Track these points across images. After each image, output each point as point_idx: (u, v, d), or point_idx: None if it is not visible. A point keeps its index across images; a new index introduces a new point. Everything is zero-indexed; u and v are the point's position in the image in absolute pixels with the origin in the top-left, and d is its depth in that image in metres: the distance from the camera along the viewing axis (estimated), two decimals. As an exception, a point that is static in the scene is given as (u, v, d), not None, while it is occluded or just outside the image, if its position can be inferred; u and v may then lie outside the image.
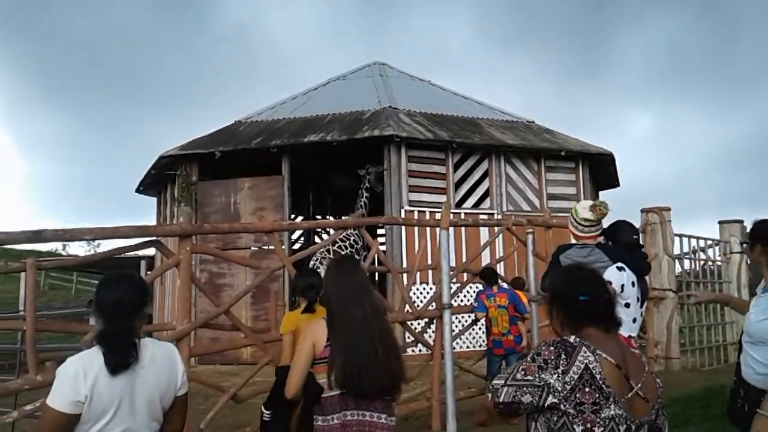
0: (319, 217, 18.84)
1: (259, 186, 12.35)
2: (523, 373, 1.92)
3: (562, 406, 1.86)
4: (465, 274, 7.91)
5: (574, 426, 1.85)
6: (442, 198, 11.79)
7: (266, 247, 11.63)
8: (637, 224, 8.44)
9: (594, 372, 1.86)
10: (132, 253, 5.49)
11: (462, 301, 9.82)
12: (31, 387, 3.82)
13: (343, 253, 10.25)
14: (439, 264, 5.42)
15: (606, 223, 4.20)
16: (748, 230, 3.11)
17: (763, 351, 2.78)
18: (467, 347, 10.83)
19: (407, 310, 6.06)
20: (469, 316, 7.68)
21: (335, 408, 2.59)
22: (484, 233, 11.05)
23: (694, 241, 9.93)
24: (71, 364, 2.08)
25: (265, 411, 2.78)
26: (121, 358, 2.08)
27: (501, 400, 1.93)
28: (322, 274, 3.12)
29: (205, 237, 10.44)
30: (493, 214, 12.32)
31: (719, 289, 10.36)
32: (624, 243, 4.15)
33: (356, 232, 10.12)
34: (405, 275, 8.22)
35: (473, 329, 8.00)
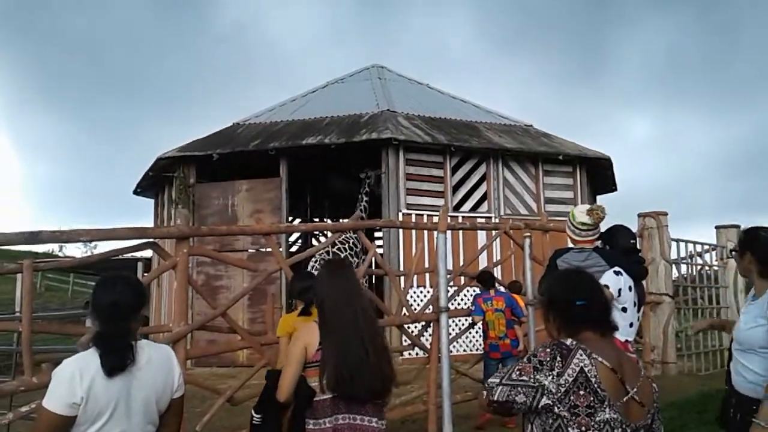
0: (316, 219, 18.83)
1: (257, 188, 12.35)
2: (518, 373, 1.93)
3: (556, 409, 1.87)
4: (462, 278, 7.92)
5: (569, 429, 1.86)
6: (440, 201, 11.81)
7: (264, 250, 11.62)
8: (635, 229, 8.47)
9: (589, 375, 1.87)
10: (129, 255, 5.49)
11: (459, 304, 9.82)
12: (26, 388, 3.80)
13: (342, 255, 10.26)
14: (437, 267, 5.42)
15: (603, 227, 4.21)
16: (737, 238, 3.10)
17: (753, 359, 2.77)
18: (464, 351, 10.84)
19: (404, 313, 6.05)
20: (466, 320, 7.67)
21: (327, 411, 2.59)
22: (481, 237, 11.06)
23: (691, 246, 9.96)
24: (67, 366, 2.08)
25: (255, 414, 2.76)
26: (117, 360, 2.08)
27: (495, 399, 1.95)
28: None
29: (202, 239, 10.42)
30: (490, 217, 12.34)
31: (716, 294, 10.39)
32: (621, 247, 4.16)
33: (355, 235, 10.12)
34: (402, 278, 8.21)
35: (470, 333, 8.00)
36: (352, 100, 14.26)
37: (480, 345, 7.66)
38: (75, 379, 2.03)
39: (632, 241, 4.38)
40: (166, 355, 2.30)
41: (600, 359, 1.90)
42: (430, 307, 6.27)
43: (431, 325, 6.02)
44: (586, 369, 1.87)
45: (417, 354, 8.22)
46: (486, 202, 12.59)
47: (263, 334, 5.35)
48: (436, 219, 6.13)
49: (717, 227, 10.55)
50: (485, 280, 6.76)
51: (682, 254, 9.77)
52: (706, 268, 10.54)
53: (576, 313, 2.03)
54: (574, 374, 1.87)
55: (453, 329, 7.53)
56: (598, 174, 14.40)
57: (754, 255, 2.87)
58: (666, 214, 9.39)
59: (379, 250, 10.16)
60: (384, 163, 11.84)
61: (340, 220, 16.43)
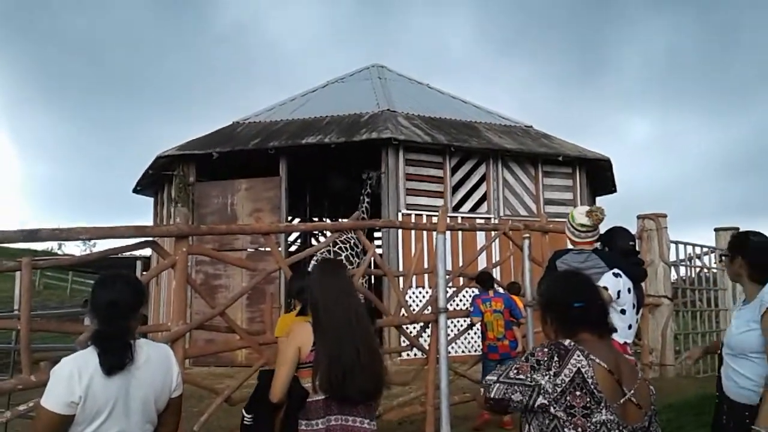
0: (316, 219, 18.82)
1: (257, 187, 12.35)
2: (515, 371, 1.95)
3: (552, 408, 1.87)
4: (461, 279, 7.91)
5: (565, 430, 1.86)
6: (439, 201, 11.81)
7: (263, 249, 11.62)
8: (634, 230, 8.47)
9: (586, 376, 1.87)
10: (128, 254, 5.49)
11: (458, 305, 9.82)
12: (24, 387, 3.80)
13: (343, 255, 10.25)
14: (436, 268, 5.42)
15: (602, 229, 4.21)
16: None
17: (745, 364, 2.75)
18: (462, 352, 10.84)
19: (403, 314, 6.05)
20: (464, 321, 7.67)
21: (320, 413, 2.59)
22: (480, 237, 11.06)
23: (690, 248, 9.96)
24: (66, 365, 2.08)
25: (246, 415, 2.75)
26: (116, 358, 2.08)
27: (492, 396, 1.96)
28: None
29: (201, 238, 10.42)
30: (490, 218, 12.34)
31: (714, 296, 10.39)
32: (620, 249, 4.17)
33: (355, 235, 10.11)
34: (401, 278, 8.21)
35: (469, 334, 8.00)
36: (352, 100, 14.27)
37: (478, 346, 7.64)
38: (73, 377, 2.03)
39: (631, 243, 4.39)
40: (164, 354, 2.30)
41: (597, 360, 1.91)
42: (429, 307, 6.26)
43: (430, 325, 6.02)
44: (583, 370, 1.88)
45: (415, 355, 8.20)
46: (485, 203, 12.59)
47: (262, 334, 5.35)
48: (435, 219, 6.12)
49: (716, 229, 10.54)
50: (484, 281, 6.76)
51: (681, 256, 9.77)
52: (705, 270, 10.55)
53: (574, 314, 2.04)
54: (571, 374, 1.87)
55: (452, 330, 7.53)
56: (598, 175, 14.42)
57: (745, 259, 2.87)
58: (665, 216, 9.39)
59: (379, 251, 10.16)
60: (383, 163, 11.84)
61: (340, 220, 16.43)
